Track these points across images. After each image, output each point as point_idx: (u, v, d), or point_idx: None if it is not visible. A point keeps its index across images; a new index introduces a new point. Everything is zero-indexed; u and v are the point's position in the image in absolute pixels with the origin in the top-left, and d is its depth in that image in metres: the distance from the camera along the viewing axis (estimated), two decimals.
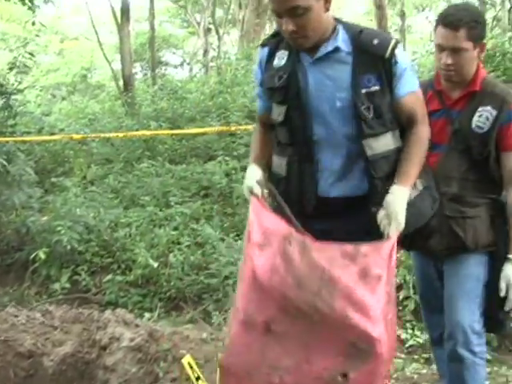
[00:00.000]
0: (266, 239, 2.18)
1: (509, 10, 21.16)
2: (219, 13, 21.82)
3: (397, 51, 2.21)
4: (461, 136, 2.62)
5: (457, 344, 2.62)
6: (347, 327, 2.01)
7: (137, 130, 9.53)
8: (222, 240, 6.00)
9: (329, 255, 2.08)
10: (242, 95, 10.25)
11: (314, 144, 2.32)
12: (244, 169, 7.73)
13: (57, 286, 6.02)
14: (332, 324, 2.04)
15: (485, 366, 2.75)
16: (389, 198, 2.19)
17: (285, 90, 2.31)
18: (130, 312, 5.29)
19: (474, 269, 2.67)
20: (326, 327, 2.06)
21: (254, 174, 2.41)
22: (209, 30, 21.84)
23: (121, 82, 13.52)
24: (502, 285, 2.62)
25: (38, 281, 6.24)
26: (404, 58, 2.26)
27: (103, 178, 8.27)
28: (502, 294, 2.62)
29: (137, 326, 4.09)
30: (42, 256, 6.04)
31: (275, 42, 2.40)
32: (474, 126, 2.60)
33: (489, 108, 2.58)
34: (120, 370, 3.76)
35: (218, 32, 18.44)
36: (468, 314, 2.64)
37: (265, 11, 15.98)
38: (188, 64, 28.78)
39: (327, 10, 2.20)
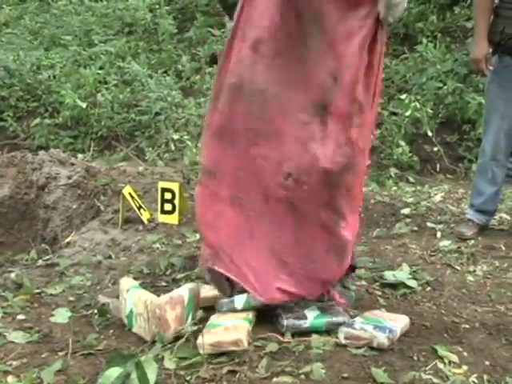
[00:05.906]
0: None
1: None
2: None
3: None
4: None
5: None
6: None
7: None
8: (151, 77, 5.90)
9: None
10: None
11: None
12: (169, 1, 7.44)
13: None
14: None
15: None
16: None
17: None
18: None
19: None
20: None
21: None
22: None
23: None
24: None
25: None
26: None
27: (18, 20, 7.82)
28: None
29: (72, 164, 4.10)
30: None
31: None
32: None
33: None
34: (61, 207, 3.81)
35: None
36: None
37: None
38: None
39: None
